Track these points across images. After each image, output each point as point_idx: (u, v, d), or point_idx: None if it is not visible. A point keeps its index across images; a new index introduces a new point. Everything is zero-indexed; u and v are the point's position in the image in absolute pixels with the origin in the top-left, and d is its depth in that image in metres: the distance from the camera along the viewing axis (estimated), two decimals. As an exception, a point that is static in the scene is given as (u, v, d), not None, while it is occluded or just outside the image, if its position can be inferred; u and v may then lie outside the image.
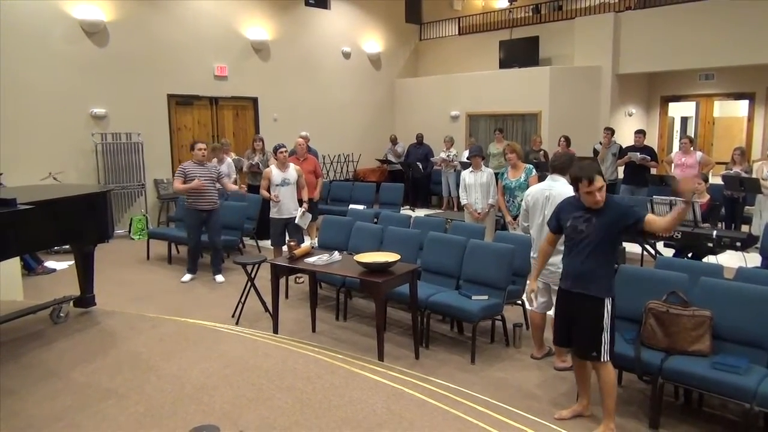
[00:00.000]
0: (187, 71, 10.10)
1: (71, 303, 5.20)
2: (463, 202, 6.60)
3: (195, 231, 6.67)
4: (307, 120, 11.35)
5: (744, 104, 11.45)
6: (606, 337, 3.33)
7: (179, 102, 10.12)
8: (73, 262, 5.53)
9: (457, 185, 10.89)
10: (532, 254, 4.52)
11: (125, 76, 9.37)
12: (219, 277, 6.79)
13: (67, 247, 6.55)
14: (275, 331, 5.00)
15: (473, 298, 4.58)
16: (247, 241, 8.45)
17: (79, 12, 8.84)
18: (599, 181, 3.26)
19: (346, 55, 12.65)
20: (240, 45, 10.81)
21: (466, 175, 6.53)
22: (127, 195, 9.54)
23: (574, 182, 3.36)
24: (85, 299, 5.25)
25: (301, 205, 6.57)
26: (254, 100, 11.14)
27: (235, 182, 8.91)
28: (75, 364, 4.13)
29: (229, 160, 8.84)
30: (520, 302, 5.04)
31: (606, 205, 3.34)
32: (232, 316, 5.46)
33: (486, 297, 4.59)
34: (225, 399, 3.57)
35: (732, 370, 3.22)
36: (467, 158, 6.70)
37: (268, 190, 6.55)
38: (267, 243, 8.33)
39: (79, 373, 3.99)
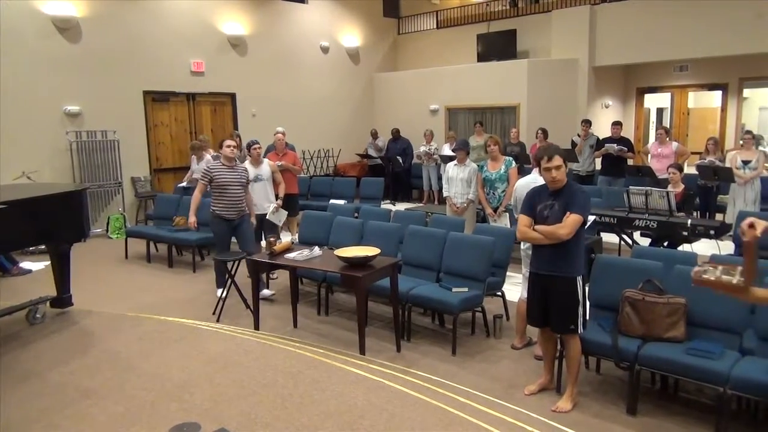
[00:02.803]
0: (163, 67, 9.97)
1: (48, 303, 5.13)
2: (445, 194, 6.62)
3: (223, 241, 5.87)
4: (285, 115, 11.28)
5: (717, 95, 11.64)
6: (580, 311, 3.56)
7: (155, 98, 10.00)
8: (49, 262, 5.46)
9: (438, 179, 10.97)
10: (522, 246, 4.54)
11: (99, 73, 9.22)
12: (266, 291, 5.93)
13: (43, 247, 6.45)
14: (256, 327, 4.98)
15: (453, 290, 4.60)
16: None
17: (50, 8, 8.67)
18: (557, 160, 3.48)
19: (324, 50, 12.59)
20: (216, 40, 10.69)
21: (450, 168, 6.54)
22: (104, 194, 9.41)
23: (538, 161, 3.58)
24: (62, 299, 5.19)
25: (277, 200, 6.48)
26: (232, 96, 11.04)
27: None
28: (53, 365, 4.09)
29: (208, 157, 8.76)
30: (500, 294, 5.09)
31: (566, 191, 3.53)
32: (213, 314, 5.42)
33: (466, 289, 4.62)
34: (206, 396, 3.56)
35: (706, 355, 3.29)
36: (453, 151, 6.69)
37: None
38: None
39: (58, 374, 3.95)
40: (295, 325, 5.15)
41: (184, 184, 8.60)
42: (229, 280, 5.42)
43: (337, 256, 4.51)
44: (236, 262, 5.51)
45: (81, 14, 8.97)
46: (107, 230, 9.19)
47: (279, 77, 11.70)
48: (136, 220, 9.70)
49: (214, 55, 10.65)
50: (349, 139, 12.97)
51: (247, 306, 5.38)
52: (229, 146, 5.78)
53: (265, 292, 5.91)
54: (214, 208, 5.81)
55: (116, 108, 9.42)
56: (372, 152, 12.41)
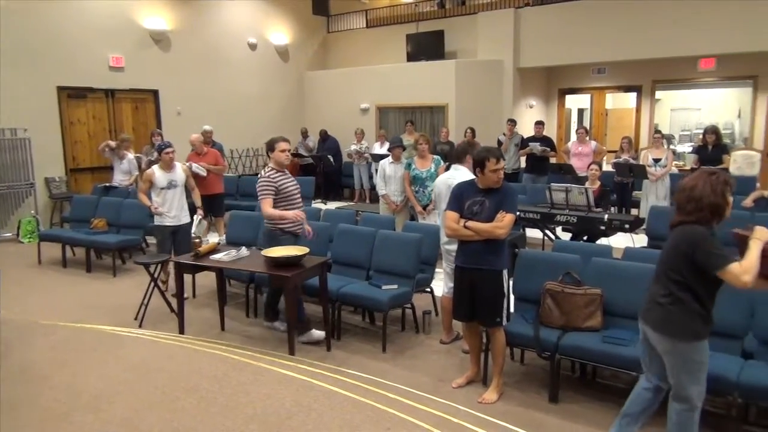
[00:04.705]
0: (79, 62, 9.46)
1: (-51, 314, 4.76)
2: (381, 192, 6.62)
3: None
4: (213, 113, 10.95)
5: (632, 96, 12.27)
6: (505, 303, 3.70)
7: (71, 95, 9.47)
8: (-50, 269, 5.08)
9: (370, 177, 11.01)
10: (441, 242, 4.61)
11: (7, 67, 8.62)
12: (313, 333, 4.70)
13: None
14: (181, 331, 4.81)
15: (383, 287, 4.62)
16: (151, 239, 8.05)
17: (-50, -4, 8.07)
18: (502, 162, 3.61)
19: (252, 47, 12.34)
20: (137, 34, 10.25)
21: (386, 166, 6.54)
22: (14, 195, 8.82)
23: (481, 162, 3.59)
24: (-35, 309, 4.82)
25: (194, 211, 5.86)
26: (155, 93, 10.62)
27: (135, 180, 8.51)
28: (-46, 380, 3.79)
29: (130, 156, 8.44)
30: (428, 290, 5.15)
31: (498, 189, 3.63)
32: (135, 319, 5.19)
33: (395, 286, 4.65)
34: (125, 405, 3.41)
35: (620, 342, 3.46)
36: (388, 149, 6.69)
37: (149, 196, 5.76)
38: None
39: (-41, 389, 3.67)
40: (223, 328, 5.02)
41: (128, 184, 8.24)
42: (152, 284, 5.21)
43: (265, 256, 4.43)
44: (159, 265, 5.31)
45: (-15, 4, 8.39)
46: (18, 234, 8.63)
47: (205, 74, 11.36)
48: (50, 222, 9.15)
49: (135, 50, 10.21)
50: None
51: (172, 310, 5.20)
52: (283, 150, 4.71)
53: (315, 332, 4.68)
54: (275, 223, 4.75)
55: (27, 104, 8.85)
56: (302, 151, 12.28)
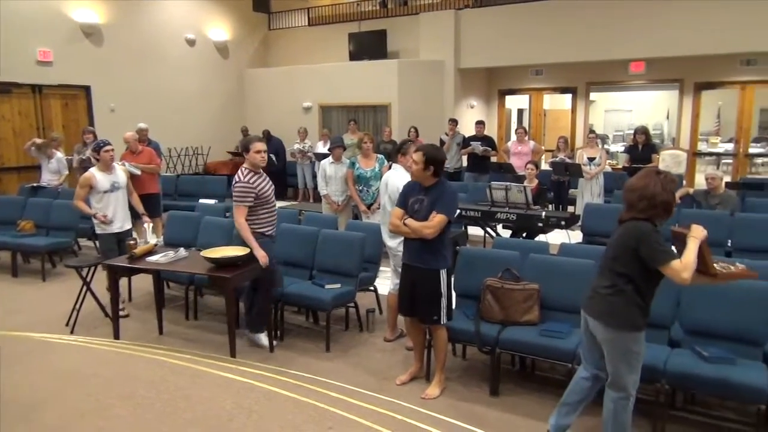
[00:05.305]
0: (2, 55, 8.93)
1: None
2: (323, 192, 6.58)
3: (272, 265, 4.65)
4: (149, 111, 10.58)
5: (568, 98, 12.68)
6: (444, 302, 3.68)
7: (-6, 90, 8.97)
8: None
9: (313, 176, 10.92)
10: (384, 239, 4.62)
11: None
12: (262, 337, 4.63)
13: None
14: (116, 336, 4.63)
15: (326, 287, 4.61)
16: (84, 242, 7.71)
17: None
18: (417, 156, 3.62)
19: (191, 43, 12.03)
20: (66, 28, 9.80)
21: (327, 166, 6.51)
22: (-68, 196, 8.28)
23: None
24: None
25: (139, 217, 5.64)
26: (86, 89, 10.18)
27: (65, 180, 8.14)
28: None
29: (59, 155, 8.06)
30: (372, 288, 5.16)
31: (437, 189, 3.66)
32: (66, 325, 4.96)
33: (338, 285, 4.64)
34: (56, 414, 3.25)
35: (556, 335, 3.57)
36: (329, 149, 6.65)
37: (88, 202, 5.20)
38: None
39: None
40: (161, 332, 4.87)
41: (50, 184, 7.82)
42: (85, 288, 4.99)
43: (204, 257, 4.32)
44: (92, 269, 5.09)
45: None
46: (-64, 238, 8.08)
47: (141, 70, 10.98)
48: (-27, 225, 8.62)
49: (64, 43, 9.76)
50: (220, 136, 12.50)
51: (106, 314, 5.00)
52: (259, 151, 4.50)
53: (263, 338, 4.59)
54: (252, 227, 4.48)
55: (-55, 99, 8.32)
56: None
